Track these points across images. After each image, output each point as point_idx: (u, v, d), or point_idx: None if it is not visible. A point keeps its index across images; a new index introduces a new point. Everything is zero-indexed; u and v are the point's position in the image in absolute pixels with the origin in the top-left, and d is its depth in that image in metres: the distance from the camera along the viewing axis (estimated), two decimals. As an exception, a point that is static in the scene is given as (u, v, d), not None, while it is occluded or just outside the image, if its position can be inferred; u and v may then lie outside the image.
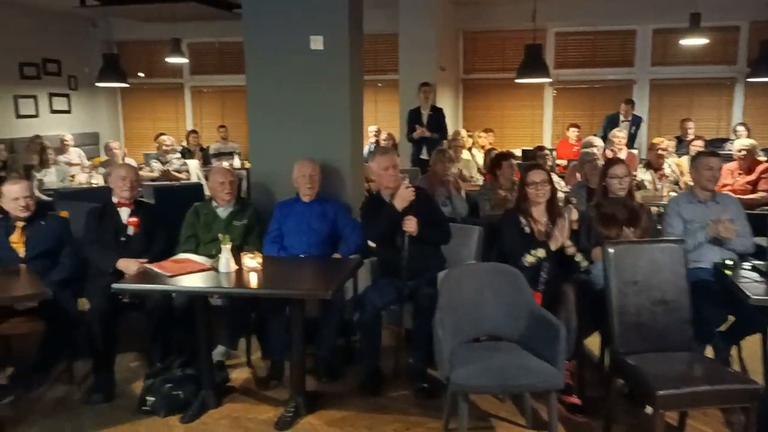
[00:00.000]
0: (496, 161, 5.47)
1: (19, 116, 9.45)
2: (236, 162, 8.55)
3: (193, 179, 7.18)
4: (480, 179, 6.80)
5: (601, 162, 5.22)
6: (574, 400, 3.34)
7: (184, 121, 11.07)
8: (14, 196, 3.70)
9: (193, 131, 9.27)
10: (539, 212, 3.66)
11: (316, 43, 4.26)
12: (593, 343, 3.79)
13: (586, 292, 3.52)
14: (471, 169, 7.07)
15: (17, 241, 3.70)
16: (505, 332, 3.19)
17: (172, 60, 8.91)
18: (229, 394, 3.62)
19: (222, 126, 9.62)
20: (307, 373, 3.58)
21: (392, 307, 3.72)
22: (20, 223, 3.72)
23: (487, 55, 9.80)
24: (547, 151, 5.93)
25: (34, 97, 9.72)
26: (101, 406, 3.51)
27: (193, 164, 7.51)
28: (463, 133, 7.95)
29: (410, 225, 3.60)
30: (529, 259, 3.47)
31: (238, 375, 3.88)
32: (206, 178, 7.30)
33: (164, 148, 7.25)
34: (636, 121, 8.32)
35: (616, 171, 3.76)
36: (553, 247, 3.49)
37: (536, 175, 3.62)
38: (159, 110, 11.25)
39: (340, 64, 4.30)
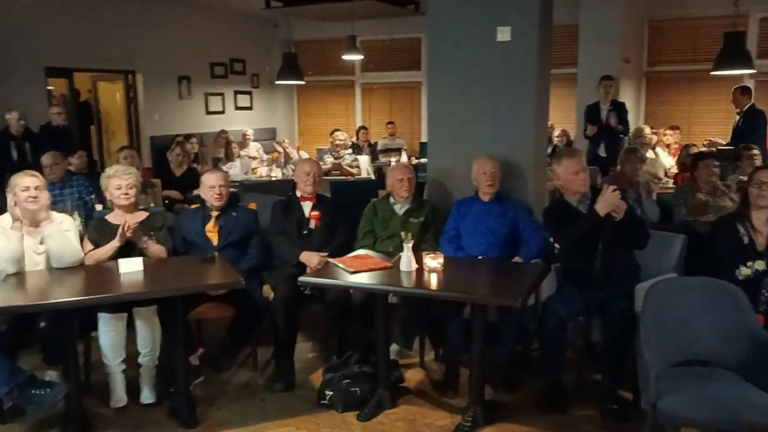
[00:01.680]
0: (692, 162, 4.94)
1: (208, 112, 10.28)
2: (403, 158, 8.59)
3: (363, 175, 7.29)
4: (669, 181, 6.21)
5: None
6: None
7: (353, 117, 11.36)
8: (211, 184, 3.89)
9: (363, 127, 9.46)
10: (761, 221, 3.19)
11: (504, 34, 4.04)
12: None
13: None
14: (658, 169, 6.48)
15: (212, 230, 3.89)
16: (719, 358, 2.79)
17: (348, 57, 9.14)
18: (404, 395, 3.54)
19: (390, 122, 9.75)
20: (484, 381, 3.40)
21: (578, 318, 3.44)
22: (215, 213, 3.92)
23: (675, 45, 8.94)
24: (755, 151, 5.22)
25: (222, 94, 10.51)
26: (282, 394, 3.59)
27: (364, 160, 7.62)
28: (647, 130, 7.33)
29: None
30: (744, 271, 3.04)
31: (412, 376, 3.80)
32: (375, 173, 7.47)
33: (338, 143, 7.42)
34: (755, 114, 6.79)
35: None
36: None
37: (764, 175, 3.17)
38: (330, 107, 11.65)
39: (528, 56, 4.04)
